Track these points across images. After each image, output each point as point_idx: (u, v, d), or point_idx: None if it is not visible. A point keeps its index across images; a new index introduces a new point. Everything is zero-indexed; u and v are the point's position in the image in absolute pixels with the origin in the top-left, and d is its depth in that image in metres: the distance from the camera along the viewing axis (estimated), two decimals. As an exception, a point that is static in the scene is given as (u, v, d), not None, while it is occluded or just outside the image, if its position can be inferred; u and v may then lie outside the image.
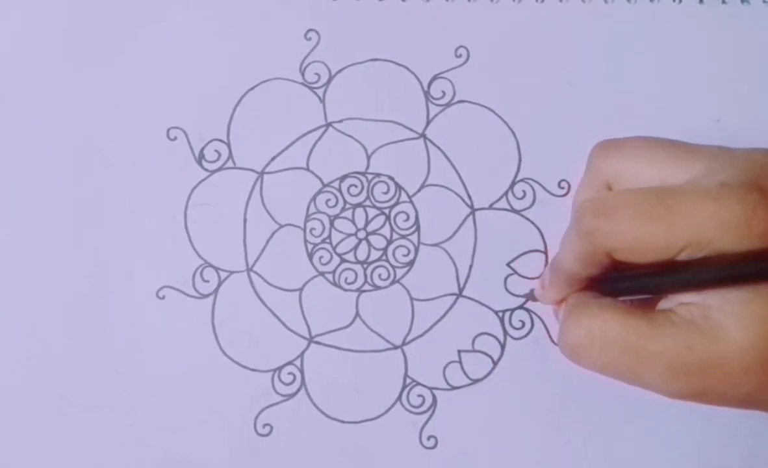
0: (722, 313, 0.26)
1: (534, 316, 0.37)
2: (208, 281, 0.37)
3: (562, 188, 0.38)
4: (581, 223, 0.28)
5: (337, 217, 0.38)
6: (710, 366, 0.26)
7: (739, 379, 0.26)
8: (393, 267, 0.38)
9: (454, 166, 0.39)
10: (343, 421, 0.36)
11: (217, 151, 0.39)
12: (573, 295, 0.32)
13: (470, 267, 0.37)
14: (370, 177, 0.39)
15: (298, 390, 0.36)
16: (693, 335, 0.26)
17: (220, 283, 0.37)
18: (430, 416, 0.36)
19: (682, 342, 0.26)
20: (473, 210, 0.38)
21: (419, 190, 0.38)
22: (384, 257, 0.38)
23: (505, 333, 0.37)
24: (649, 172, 0.29)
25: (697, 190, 0.26)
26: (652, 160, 0.29)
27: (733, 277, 0.26)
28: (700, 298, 0.27)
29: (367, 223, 0.38)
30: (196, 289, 0.37)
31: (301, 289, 0.37)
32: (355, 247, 0.38)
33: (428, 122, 0.39)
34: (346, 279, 0.37)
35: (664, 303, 0.28)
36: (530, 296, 0.36)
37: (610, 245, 0.27)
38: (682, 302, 0.27)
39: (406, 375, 0.36)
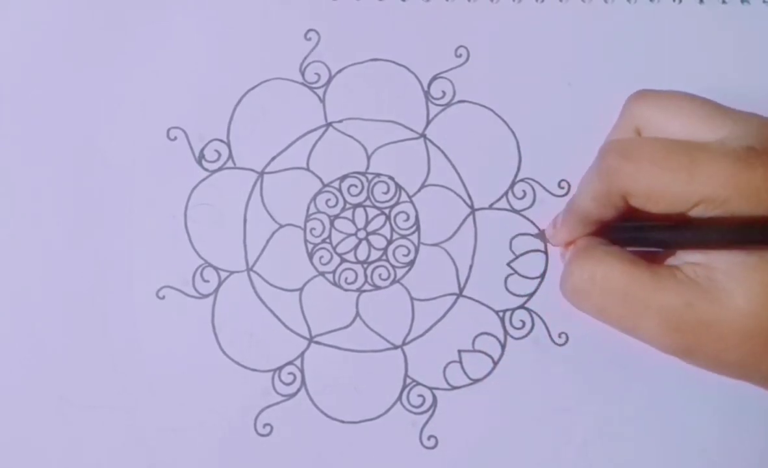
0: (727, 277, 0.26)
1: (534, 316, 0.37)
2: (208, 281, 0.37)
3: (563, 188, 0.38)
4: (604, 162, 0.28)
5: (337, 217, 0.38)
6: (707, 326, 0.26)
7: (733, 343, 0.26)
8: (393, 267, 0.38)
9: (454, 166, 0.39)
10: (343, 421, 0.36)
11: (217, 151, 0.39)
12: (582, 239, 0.32)
13: (470, 267, 0.37)
14: (370, 177, 0.39)
15: (299, 390, 0.36)
16: (694, 293, 0.26)
17: (220, 283, 0.37)
18: (430, 416, 0.36)
19: (682, 298, 0.27)
20: (473, 210, 0.38)
21: (419, 190, 0.38)
22: (384, 257, 0.38)
23: (506, 333, 0.37)
24: (679, 125, 0.29)
25: (723, 148, 0.26)
26: (686, 114, 0.29)
27: (742, 240, 0.26)
28: (707, 259, 0.27)
29: (367, 223, 0.38)
30: (196, 289, 0.37)
31: (301, 289, 0.37)
32: (356, 247, 0.38)
33: (428, 122, 0.39)
34: (346, 279, 0.37)
35: (671, 260, 0.29)
36: (542, 236, 0.37)
37: (628, 187, 0.27)
38: (688, 261, 0.27)
39: (406, 375, 0.36)
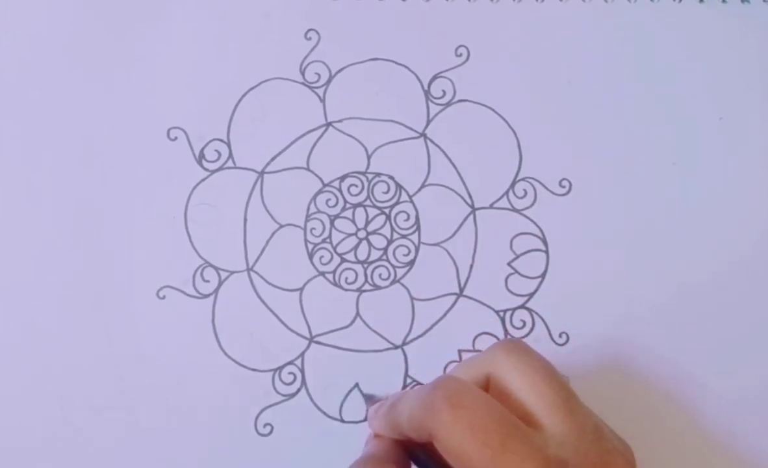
0: None
1: (535, 316, 0.37)
2: (208, 281, 0.37)
3: (563, 187, 0.38)
4: (431, 395, 0.27)
5: (337, 216, 0.38)
6: None
7: None
8: (393, 267, 0.38)
9: (454, 166, 0.39)
10: (343, 421, 0.36)
11: (217, 151, 0.39)
12: (376, 444, 0.31)
13: (471, 266, 0.37)
14: (370, 176, 0.39)
15: (299, 390, 0.36)
16: None
17: (220, 283, 0.37)
18: (431, 416, 0.36)
19: None
20: (474, 209, 0.38)
21: (420, 190, 0.38)
22: (384, 257, 0.38)
23: (506, 333, 0.37)
24: (524, 394, 0.28)
25: (537, 449, 0.26)
26: (535, 390, 0.28)
27: None
28: None
29: (368, 222, 0.38)
30: (196, 289, 0.37)
31: (301, 289, 0.37)
32: (356, 247, 0.38)
33: (428, 121, 0.39)
34: (346, 279, 0.37)
35: None
36: (368, 402, 0.35)
37: (437, 433, 0.27)
38: None
39: (406, 374, 0.36)
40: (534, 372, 0.28)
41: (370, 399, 0.34)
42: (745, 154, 0.39)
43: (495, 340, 0.36)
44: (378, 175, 0.39)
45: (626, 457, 0.28)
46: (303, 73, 0.40)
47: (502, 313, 0.37)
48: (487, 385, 0.29)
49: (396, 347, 0.37)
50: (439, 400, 0.27)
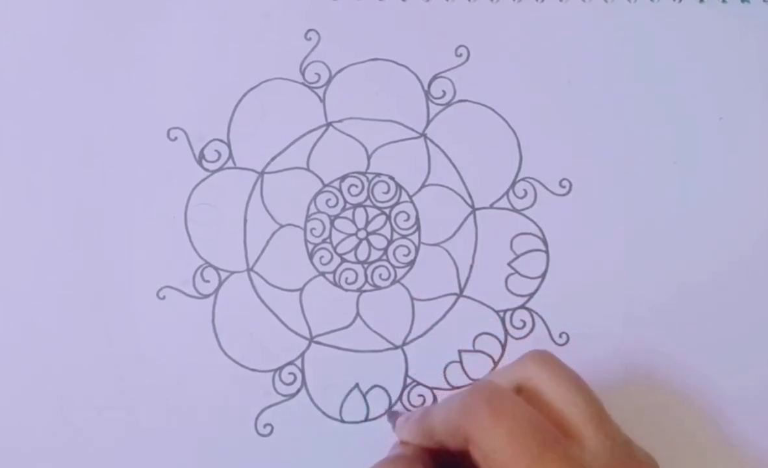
0: None
1: (535, 316, 0.37)
2: (208, 281, 0.37)
3: (564, 187, 0.38)
4: (469, 399, 0.27)
5: (337, 217, 0.38)
6: None
7: None
8: (393, 267, 0.38)
9: (454, 166, 0.39)
10: (343, 421, 0.36)
11: (217, 151, 0.39)
12: (405, 448, 0.32)
13: (471, 267, 0.37)
14: (370, 177, 0.39)
15: (299, 390, 0.36)
16: None
17: (220, 283, 0.37)
18: (431, 416, 0.36)
19: None
20: (474, 209, 0.38)
21: (420, 190, 0.38)
22: (384, 257, 0.38)
23: (506, 333, 0.37)
24: (559, 405, 0.28)
25: (571, 462, 0.26)
26: (568, 400, 0.28)
27: None
28: None
29: (368, 222, 0.38)
30: (196, 289, 0.37)
31: (301, 289, 0.37)
32: (356, 247, 0.38)
33: (428, 121, 0.39)
34: (346, 279, 0.37)
35: None
36: (391, 418, 0.35)
37: (474, 437, 0.27)
38: None
39: (406, 375, 0.36)
40: (568, 383, 0.28)
41: (393, 415, 0.35)
42: (745, 154, 0.39)
43: (495, 341, 0.36)
44: (378, 175, 0.39)
45: None
46: (303, 73, 0.40)
47: (502, 314, 0.37)
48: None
49: (396, 347, 0.37)
50: (479, 404, 0.27)
